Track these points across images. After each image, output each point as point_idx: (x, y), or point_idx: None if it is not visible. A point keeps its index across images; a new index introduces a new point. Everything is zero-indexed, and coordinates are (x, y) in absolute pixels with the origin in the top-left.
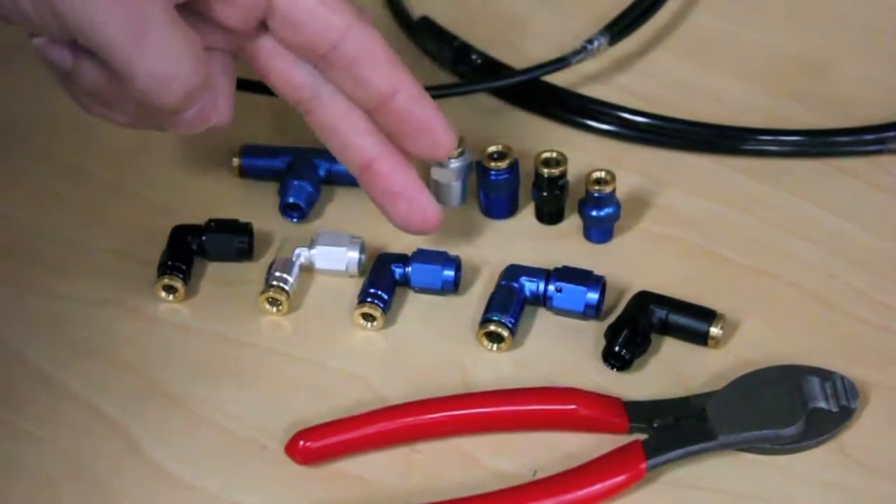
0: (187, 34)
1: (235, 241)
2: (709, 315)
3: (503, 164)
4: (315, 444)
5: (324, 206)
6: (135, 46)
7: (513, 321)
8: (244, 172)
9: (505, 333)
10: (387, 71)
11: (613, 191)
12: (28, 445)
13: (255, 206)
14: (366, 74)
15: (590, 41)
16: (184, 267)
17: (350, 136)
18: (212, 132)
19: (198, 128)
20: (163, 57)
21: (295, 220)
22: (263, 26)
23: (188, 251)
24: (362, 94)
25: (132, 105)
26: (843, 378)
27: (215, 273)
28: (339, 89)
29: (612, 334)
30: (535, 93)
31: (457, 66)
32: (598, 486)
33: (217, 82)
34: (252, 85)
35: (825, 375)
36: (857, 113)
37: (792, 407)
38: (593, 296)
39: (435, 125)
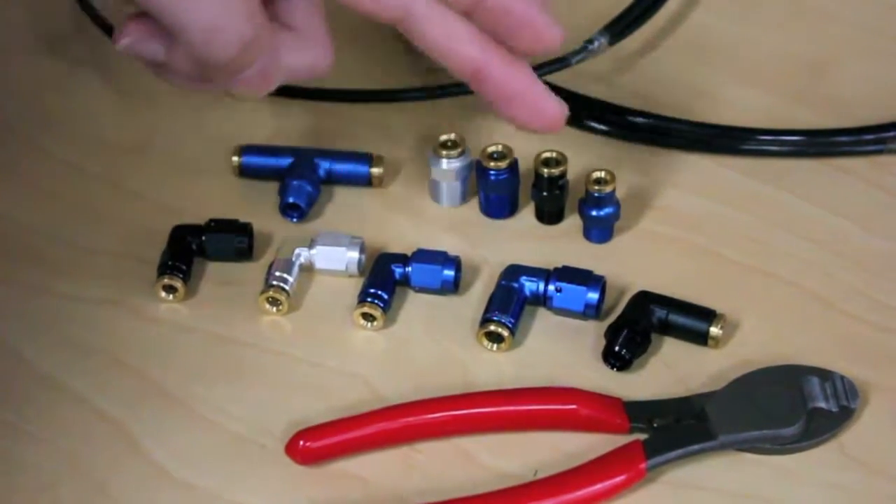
0: None
1: (235, 240)
2: (709, 315)
3: (503, 164)
4: (315, 444)
5: (324, 206)
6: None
7: (513, 321)
8: (244, 172)
9: (505, 333)
10: None
11: (613, 191)
12: (28, 445)
13: (255, 206)
14: None
15: (590, 41)
16: (184, 267)
17: (452, 45)
18: (318, 79)
19: (260, 90)
20: (212, 10)
21: (295, 220)
22: None
23: (188, 251)
24: None
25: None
26: (842, 378)
27: (215, 273)
28: None
29: (612, 334)
30: None
31: None
32: (598, 486)
33: (307, 27)
34: None
35: (825, 375)
36: (857, 113)
37: (792, 407)
38: (593, 296)
39: (535, 19)
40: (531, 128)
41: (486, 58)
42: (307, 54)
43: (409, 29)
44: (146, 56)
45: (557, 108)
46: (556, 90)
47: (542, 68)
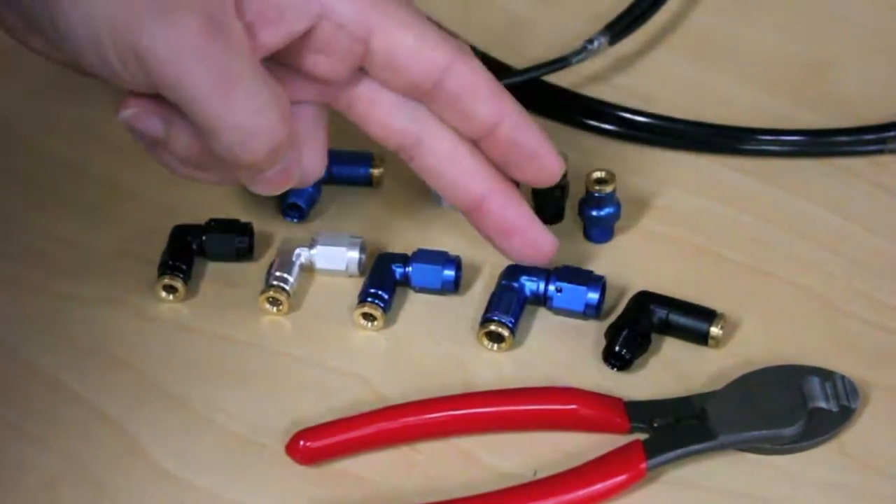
0: (274, 89)
1: (236, 240)
2: (709, 315)
3: None
4: (315, 444)
5: (324, 206)
6: (220, 100)
7: (513, 321)
8: None
9: (505, 333)
10: (490, 102)
11: (613, 191)
12: (28, 445)
13: (255, 206)
14: (469, 107)
15: (590, 41)
16: (184, 267)
17: (456, 177)
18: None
19: (279, 188)
20: (248, 112)
21: (295, 220)
22: (359, 74)
23: (189, 251)
24: (467, 126)
25: (222, 165)
26: (843, 378)
27: (215, 273)
28: (443, 121)
29: (612, 334)
30: (535, 93)
31: None
32: (599, 486)
33: (310, 136)
34: None
35: (825, 375)
36: (857, 113)
37: (792, 407)
38: (594, 295)
39: (542, 152)
40: (525, 259)
41: (489, 190)
42: (305, 162)
43: (416, 158)
44: (146, 131)
45: (550, 242)
46: (557, 90)
47: (543, 68)
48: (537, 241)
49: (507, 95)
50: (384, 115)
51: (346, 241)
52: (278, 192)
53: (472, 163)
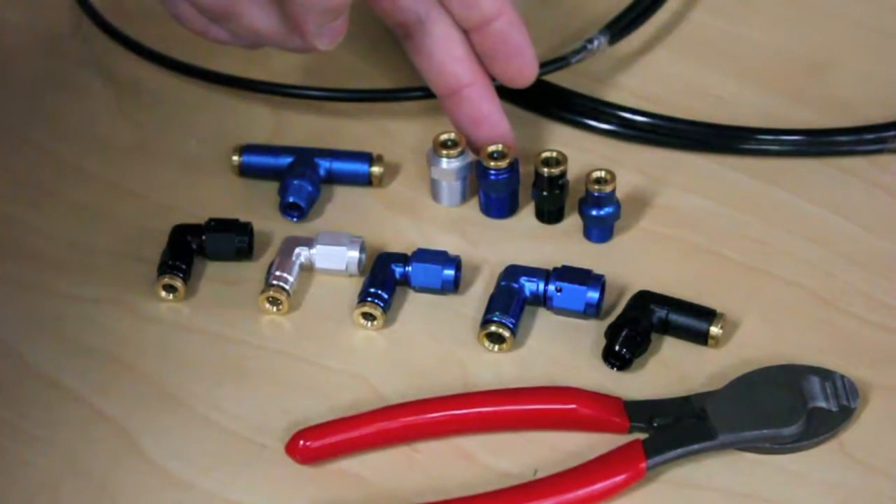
0: None
1: (235, 240)
2: (709, 314)
3: (503, 164)
4: (315, 444)
5: (324, 205)
6: None
7: (514, 322)
8: (244, 172)
9: (506, 334)
10: None
11: (613, 190)
12: (28, 445)
13: (254, 205)
14: None
15: (590, 41)
16: (184, 266)
17: (445, 61)
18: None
19: (335, 41)
20: None
21: (295, 219)
22: None
23: (188, 250)
24: (468, 14)
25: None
26: (843, 377)
27: (215, 272)
28: (447, 8)
29: (612, 334)
30: (535, 92)
31: None
32: (598, 486)
33: None
34: (252, 84)
35: (825, 375)
36: (857, 112)
37: (792, 406)
38: (594, 295)
39: (526, 52)
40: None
41: (472, 80)
42: None
43: (413, 37)
44: None
45: (511, 133)
46: (557, 90)
47: (543, 68)
48: (505, 134)
49: None
50: None
51: (346, 240)
52: (328, 48)
53: (463, 51)
